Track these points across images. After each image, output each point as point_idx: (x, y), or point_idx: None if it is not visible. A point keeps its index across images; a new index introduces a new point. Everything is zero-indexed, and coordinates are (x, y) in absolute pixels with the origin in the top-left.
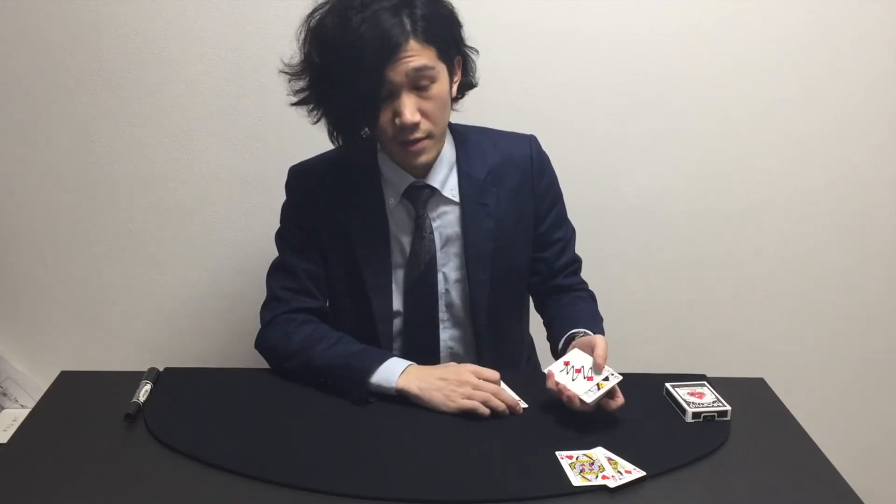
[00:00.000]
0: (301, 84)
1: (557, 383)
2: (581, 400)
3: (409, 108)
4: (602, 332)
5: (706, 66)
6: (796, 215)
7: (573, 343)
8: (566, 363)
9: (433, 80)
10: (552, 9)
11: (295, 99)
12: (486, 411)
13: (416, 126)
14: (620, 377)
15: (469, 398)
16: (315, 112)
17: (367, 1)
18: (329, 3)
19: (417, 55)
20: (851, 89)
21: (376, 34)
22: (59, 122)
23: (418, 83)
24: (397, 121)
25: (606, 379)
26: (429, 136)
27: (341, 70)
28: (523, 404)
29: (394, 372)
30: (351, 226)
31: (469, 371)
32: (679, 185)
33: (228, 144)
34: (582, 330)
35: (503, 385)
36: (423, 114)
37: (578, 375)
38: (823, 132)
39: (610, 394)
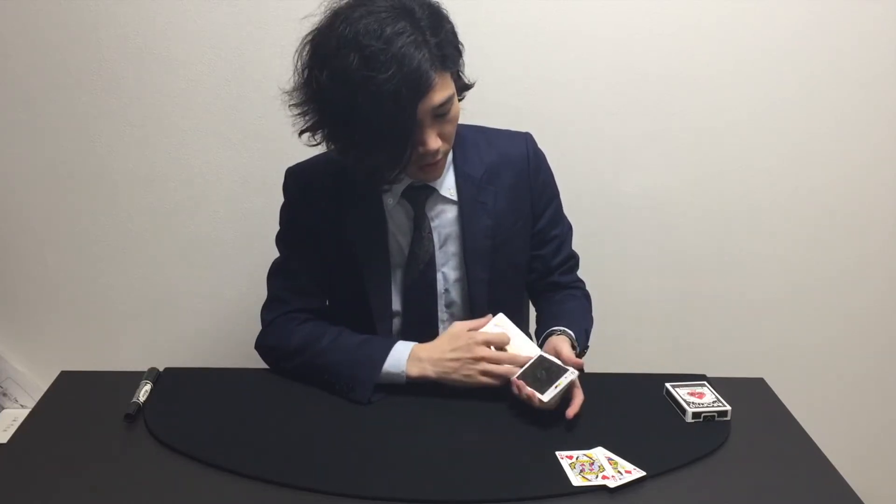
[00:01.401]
0: (310, 116)
1: (517, 382)
2: (539, 399)
3: (433, 137)
4: (582, 332)
5: (706, 66)
6: (796, 215)
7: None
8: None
9: (452, 104)
10: (552, 9)
11: (300, 127)
12: (493, 381)
13: (437, 151)
14: (576, 373)
15: (487, 374)
16: (326, 143)
17: (389, 34)
18: (334, 29)
19: (441, 88)
20: (851, 89)
21: (408, 74)
22: (59, 122)
23: (440, 112)
24: (420, 149)
25: (563, 377)
26: (444, 154)
27: (373, 111)
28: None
29: (401, 359)
30: (349, 226)
31: (477, 343)
32: (679, 184)
33: (228, 144)
34: (559, 328)
35: (518, 339)
36: (442, 137)
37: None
38: (823, 132)
39: (568, 397)
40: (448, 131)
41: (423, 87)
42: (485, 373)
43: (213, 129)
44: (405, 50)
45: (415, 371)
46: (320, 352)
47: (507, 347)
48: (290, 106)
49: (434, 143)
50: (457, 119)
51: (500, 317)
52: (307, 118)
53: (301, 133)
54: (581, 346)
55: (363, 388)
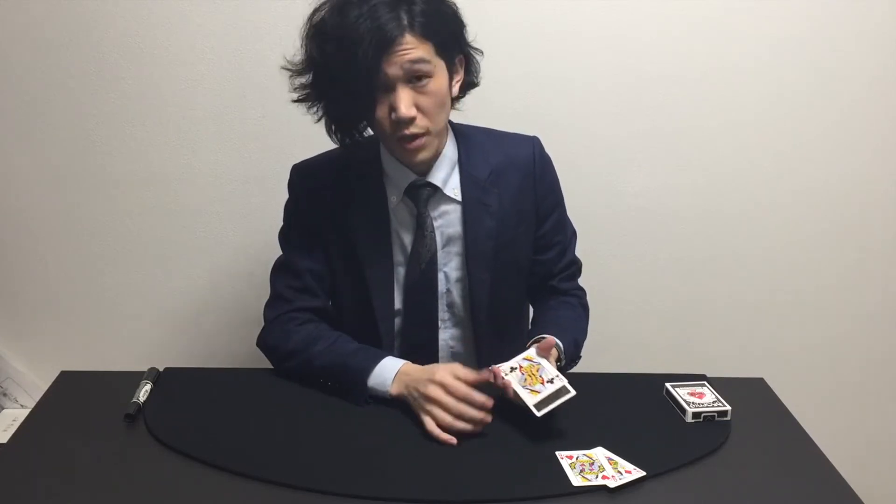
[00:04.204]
0: (303, 81)
1: (503, 378)
2: (534, 413)
3: (405, 101)
4: (571, 343)
5: (708, 67)
6: (796, 215)
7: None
8: (520, 367)
9: (429, 74)
10: (554, 10)
11: (296, 95)
12: (448, 438)
13: (412, 120)
14: (574, 392)
15: (430, 415)
16: (316, 109)
17: None
18: (331, 1)
19: (413, 48)
20: (852, 90)
21: (372, 27)
22: (59, 122)
23: (414, 76)
24: (393, 115)
25: (559, 390)
26: (426, 132)
27: (338, 63)
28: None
29: (388, 377)
30: (353, 223)
31: (431, 381)
32: (679, 185)
33: (228, 144)
34: (546, 336)
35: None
36: (420, 109)
37: (530, 378)
38: (824, 133)
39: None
40: (425, 104)
41: (384, 41)
42: (429, 413)
43: (213, 128)
44: (376, 9)
45: (395, 390)
46: (316, 355)
47: (540, 374)
48: (281, 68)
49: (407, 109)
50: (439, 95)
51: (531, 351)
52: (299, 88)
53: (295, 101)
54: (569, 358)
55: (355, 397)
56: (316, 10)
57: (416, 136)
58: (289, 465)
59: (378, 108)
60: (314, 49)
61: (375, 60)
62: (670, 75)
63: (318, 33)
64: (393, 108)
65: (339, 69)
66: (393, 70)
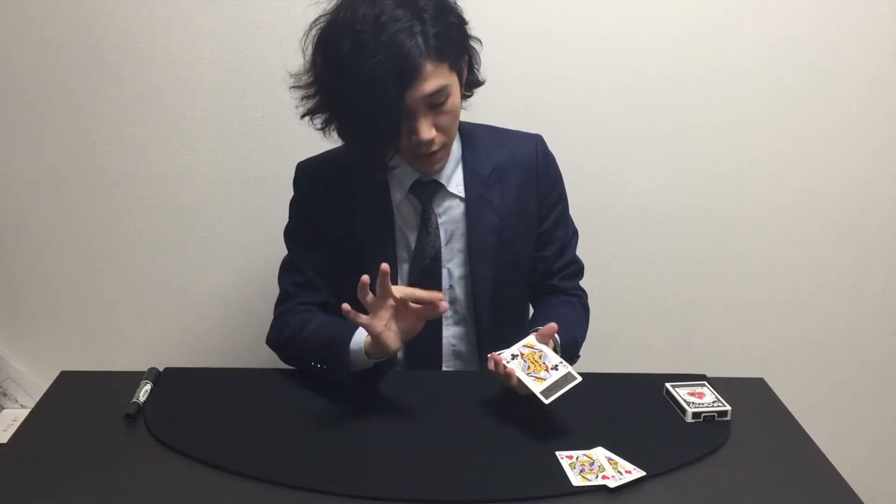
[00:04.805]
0: (312, 99)
1: (505, 366)
2: (542, 401)
3: (426, 126)
4: (571, 340)
5: (707, 66)
6: (797, 215)
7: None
8: (521, 354)
9: (448, 96)
10: (554, 10)
11: (303, 110)
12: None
13: (432, 141)
14: (580, 378)
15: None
16: (327, 128)
17: (383, 21)
18: (336, 15)
19: (433, 77)
20: (853, 90)
21: (396, 61)
22: (59, 122)
23: (434, 102)
24: (413, 137)
25: (565, 377)
26: (443, 146)
27: (360, 95)
28: None
29: (360, 337)
30: (357, 220)
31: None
32: (680, 185)
33: (228, 144)
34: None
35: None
36: (438, 128)
37: (533, 365)
38: (825, 133)
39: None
40: (444, 123)
41: (409, 75)
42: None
43: (213, 128)
44: (397, 37)
45: (367, 343)
46: (307, 337)
47: (544, 362)
48: (290, 88)
49: (427, 132)
50: (454, 112)
51: (531, 338)
52: (309, 101)
53: (303, 116)
54: (567, 355)
55: (338, 366)
56: (320, 25)
57: (434, 152)
58: (289, 465)
59: None
60: (329, 77)
61: (400, 94)
62: (670, 75)
63: (333, 63)
64: (413, 132)
65: (360, 102)
66: (415, 100)
